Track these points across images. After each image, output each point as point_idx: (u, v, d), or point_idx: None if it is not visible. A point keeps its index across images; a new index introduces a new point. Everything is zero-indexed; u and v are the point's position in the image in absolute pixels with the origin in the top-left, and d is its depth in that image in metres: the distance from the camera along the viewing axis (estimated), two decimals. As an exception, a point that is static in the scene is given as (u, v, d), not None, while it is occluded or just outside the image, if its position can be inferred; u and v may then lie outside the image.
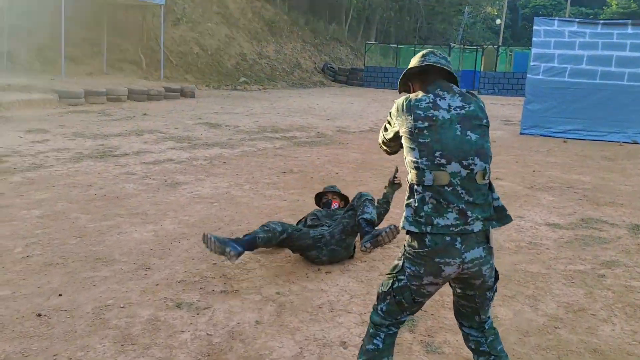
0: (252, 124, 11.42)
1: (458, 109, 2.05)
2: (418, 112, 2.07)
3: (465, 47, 33.09)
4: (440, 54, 2.23)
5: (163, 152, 8.00)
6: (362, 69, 30.24)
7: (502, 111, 17.60)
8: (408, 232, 2.10)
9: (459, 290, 2.20)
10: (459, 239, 2.01)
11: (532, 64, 11.77)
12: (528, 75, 11.88)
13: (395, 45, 33.40)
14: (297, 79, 26.96)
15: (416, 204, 2.06)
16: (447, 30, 46.34)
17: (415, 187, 2.08)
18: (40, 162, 6.95)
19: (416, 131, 2.06)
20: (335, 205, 4.49)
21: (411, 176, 2.09)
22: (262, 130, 10.67)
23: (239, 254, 3.42)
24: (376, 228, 3.68)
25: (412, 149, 2.07)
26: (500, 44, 33.88)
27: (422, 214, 2.03)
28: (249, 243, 3.55)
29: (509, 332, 3.01)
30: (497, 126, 13.29)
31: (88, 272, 3.61)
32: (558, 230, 4.95)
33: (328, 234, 3.86)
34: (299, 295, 3.37)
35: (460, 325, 2.32)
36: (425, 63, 2.18)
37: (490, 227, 2.06)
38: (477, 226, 2.02)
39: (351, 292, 3.45)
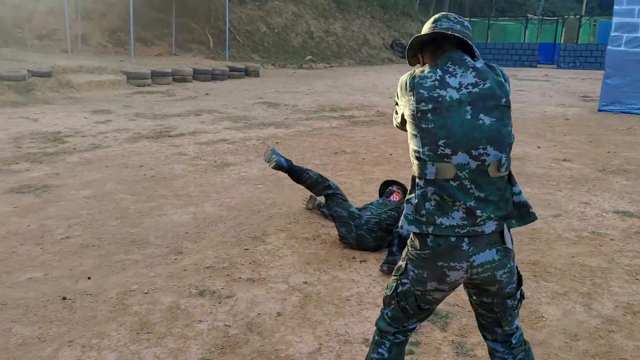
0: (311, 103, 11.25)
1: (470, 87, 1.73)
2: (422, 91, 1.77)
3: (545, 18, 31.25)
4: (455, 18, 1.88)
5: (218, 132, 8.00)
6: (433, 44, 29.22)
7: (580, 86, 16.47)
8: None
9: (474, 297, 1.92)
10: (466, 239, 1.73)
11: (613, 34, 10.82)
12: (608, 47, 10.94)
13: (469, 19, 32.01)
14: (364, 56, 26.49)
15: (416, 201, 1.79)
16: (527, 0, 43.91)
17: (417, 180, 1.81)
18: (99, 142, 7.12)
19: (419, 114, 1.77)
20: (395, 198, 4.23)
21: (413, 168, 1.82)
22: (321, 109, 10.48)
23: (279, 165, 3.94)
24: None
25: (414, 136, 1.79)
26: (583, 13, 31.73)
27: (423, 212, 1.76)
28: (295, 169, 4.00)
29: (554, 335, 2.71)
30: (573, 103, 12.42)
31: (121, 255, 3.60)
32: (628, 218, 4.48)
33: (365, 218, 3.66)
34: (328, 286, 3.20)
35: (484, 338, 2.02)
36: (435, 30, 1.88)
37: (507, 227, 1.77)
38: (490, 226, 1.73)
39: (384, 283, 3.24)
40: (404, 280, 1.88)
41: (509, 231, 1.79)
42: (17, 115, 8.94)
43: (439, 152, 1.73)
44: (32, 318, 2.79)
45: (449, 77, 1.75)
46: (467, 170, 1.72)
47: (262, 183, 5.39)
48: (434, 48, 1.87)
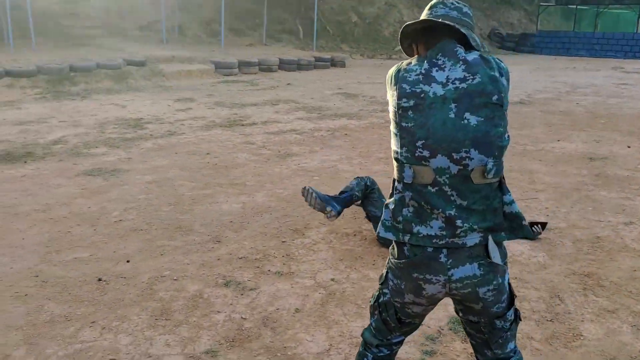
0: (391, 94, 11.05)
1: (457, 82, 1.55)
2: (404, 86, 1.61)
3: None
4: (453, 3, 1.68)
5: (290, 122, 8.06)
6: (534, 34, 27.74)
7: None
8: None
9: (461, 314, 1.76)
10: (444, 251, 1.58)
11: None
12: None
13: (575, 7, 30.00)
14: (459, 47, 25.61)
15: (393, 206, 1.65)
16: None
17: (395, 184, 1.67)
18: (175, 129, 7.40)
19: (400, 111, 1.61)
20: None
21: (394, 170, 1.69)
22: (399, 101, 10.26)
23: (339, 214, 3.57)
24: None
25: (395, 135, 1.64)
26: None
27: (400, 218, 1.62)
28: (347, 201, 3.65)
29: (590, 357, 2.45)
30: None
31: (163, 241, 3.71)
32: None
33: None
34: (355, 285, 3.10)
35: None
36: (429, 17, 1.70)
37: (495, 240, 1.59)
38: (472, 239, 1.56)
39: (415, 286, 3.09)
40: (385, 290, 1.76)
41: (501, 244, 1.62)
42: (109, 102, 9.51)
43: (416, 154, 1.58)
44: (66, 297, 2.94)
45: (437, 70, 1.59)
46: (447, 176, 1.56)
47: (318, 175, 5.35)
48: (428, 38, 1.70)
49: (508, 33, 28.66)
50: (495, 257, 1.58)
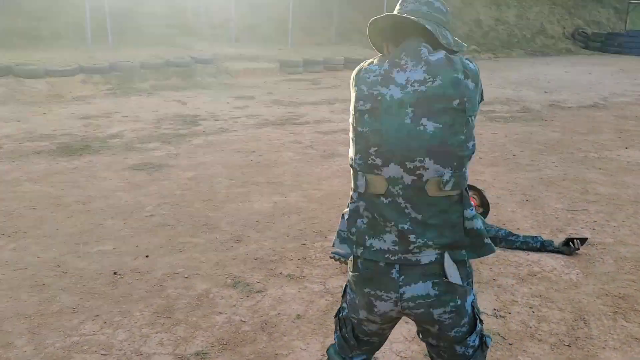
0: (488, 95, 10.67)
1: (417, 85, 1.42)
2: (362, 87, 1.49)
3: None
4: None
5: (342, 121, 7.96)
6: (622, 34, 26.07)
7: None
8: None
9: (420, 336, 1.62)
10: (397, 267, 1.46)
11: None
12: None
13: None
14: (538, 47, 24.49)
15: (348, 216, 1.55)
16: None
17: (351, 192, 1.56)
18: (228, 126, 7.50)
19: (357, 115, 1.50)
20: None
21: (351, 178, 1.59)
22: (491, 102, 9.87)
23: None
24: None
25: (352, 141, 1.54)
26: None
27: (354, 229, 1.51)
28: None
29: (605, 391, 2.22)
30: None
31: (187, 237, 3.74)
32: None
33: None
34: (365, 293, 2.98)
35: None
36: (398, 13, 1.55)
37: (454, 258, 1.44)
38: (428, 255, 1.43)
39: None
40: (344, 305, 1.66)
41: (465, 263, 1.47)
42: (172, 99, 9.80)
43: (369, 162, 1.47)
44: (80, 289, 3.01)
45: (397, 71, 1.46)
46: (400, 186, 1.44)
47: (358, 177, 5.23)
48: (396, 35, 1.58)
49: (594, 32, 27.09)
50: (454, 276, 1.44)
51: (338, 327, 1.71)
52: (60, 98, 9.55)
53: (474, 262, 3.19)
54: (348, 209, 1.56)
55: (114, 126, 7.36)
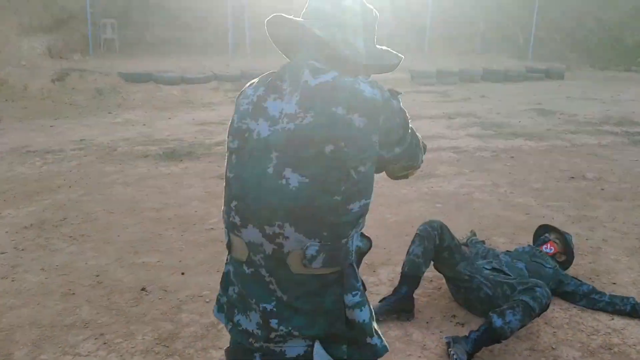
0: (597, 112, 9.44)
1: (286, 121, 1.07)
2: (234, 118, 1.19)
3: None
4: None
5: (456, 138, 7.37)
6: None
7: None
8: None
9: None
10: (258, 354, 1.12)
11: None
12: None
13: None
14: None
15: (221, 280, 1.25)
16: None
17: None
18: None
19: (227, 154, 1.19)
20: (548, 248, 3.19)
21: None
22: (604, 121, 8.69)
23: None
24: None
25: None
26: None
27: (225, 298, 1.21)
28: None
29: None
30: None
31: (232, 256, 3.58)
32: None
33: (478, 280, 2.78)
34: (391, 345, 2.56)
35: None
36: (302, 12, 1.21)
37: (322, 352, 1.06)
38: (294, 348, 1.08)
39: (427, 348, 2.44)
40: None
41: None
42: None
43: (230, 219, 1.14)
44: (103, 302, 2.98)
45: (273, 99, 1.12)
46: (261, 255, 1.10)
47: (444, 202, 4.72)
48: (292, 43, 1.24)
49: None
50: None
51: None
52: (189, 104, 10.10)
53: (535, 324, 2.63)
54: (224, 271, 1.26)
55: (224, 134, 7.54)
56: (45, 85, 9.78)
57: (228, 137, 1.21)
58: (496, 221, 4.28)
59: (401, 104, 1.26)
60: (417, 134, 1.38)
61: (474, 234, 3.87)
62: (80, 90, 9.73)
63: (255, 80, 1.25)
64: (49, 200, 4.70)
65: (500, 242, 3.84)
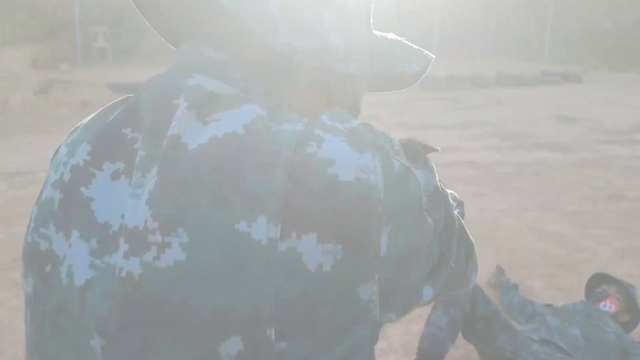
0: (625, 119, 8.67)
1: (126, 252, 0.41)
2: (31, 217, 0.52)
3: None
4: None
5: (472, 151, 6.65)
6: None
7: None
8: None
9: None
10: None
11: None
12: None
13: None
14: None
15: None
16: None
17: None
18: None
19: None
20: (607, 307, 2.47)
21: None
22: (634, 129, 7.94)
23: None
24: None
25: None
26: None
27: None
28: None
29: None
30: None
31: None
32: None
33: (526, 355, 2.07)
34: None
35: None
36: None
37: None
38: None
39: None
40: None
41: None
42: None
43: None
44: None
45: (111, 177, 0.46)
46: None
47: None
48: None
49: None
50: None
51: None
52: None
53: None
54: None
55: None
56: (26, 98, 9.17)
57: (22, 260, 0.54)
58: (529, 256, 3.55)
59: (437, 179, 0.58)
60: (466, 230, 0.68)
61: (502, 272, 3.17)
62: (64, 102, 9.10)
63: (88, 119, 0.56)
64: (2, 236, 4.04)
65: (537, 287, 3.12)
